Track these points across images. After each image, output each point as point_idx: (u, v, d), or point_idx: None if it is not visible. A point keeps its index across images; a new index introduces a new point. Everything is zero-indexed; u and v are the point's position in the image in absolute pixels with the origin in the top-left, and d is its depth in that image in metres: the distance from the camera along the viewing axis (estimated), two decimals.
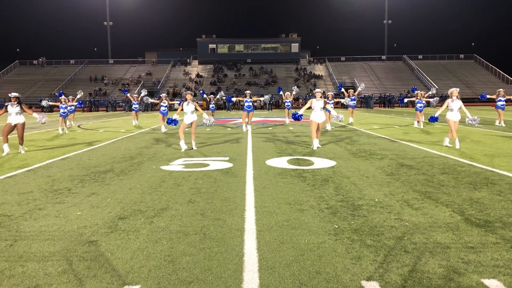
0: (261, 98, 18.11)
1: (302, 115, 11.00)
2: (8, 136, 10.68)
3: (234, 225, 4.54)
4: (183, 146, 10.96)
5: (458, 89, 11.17)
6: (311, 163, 8.53)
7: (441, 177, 6.93)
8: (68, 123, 18.32)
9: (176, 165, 8.52)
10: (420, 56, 67.70)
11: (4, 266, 3.50)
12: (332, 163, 8.54)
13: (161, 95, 18.71)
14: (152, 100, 19.29)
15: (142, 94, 19.01)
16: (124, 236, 4.24)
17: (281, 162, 8.68)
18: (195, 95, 52.34)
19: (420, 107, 18.11)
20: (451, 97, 10.86)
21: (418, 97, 18.50)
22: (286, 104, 22.18)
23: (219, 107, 46.30)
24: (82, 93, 21.48)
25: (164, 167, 8.28)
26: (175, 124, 11.35)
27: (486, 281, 3.11)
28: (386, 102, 48.71)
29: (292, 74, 63.84)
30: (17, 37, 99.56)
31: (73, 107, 20.39)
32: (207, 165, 8.49)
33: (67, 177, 7.44)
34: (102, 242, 4.06)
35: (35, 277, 3.30)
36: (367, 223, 4.56)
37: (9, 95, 10.97)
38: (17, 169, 8.20)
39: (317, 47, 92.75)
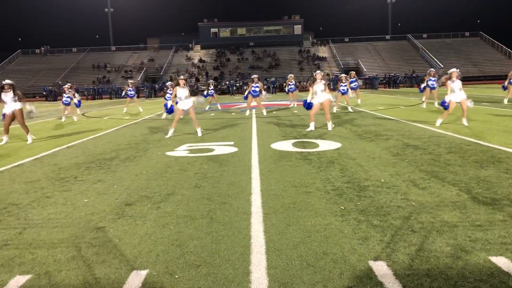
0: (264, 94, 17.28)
1: (312, 103, 10.84)
2: (10, 127, 10.67)
3: (241, 209, 4.55)
4: (171, 133, 10.79)
5: (458, 69, 10.98)
6: (316, 146, 8.51)
7: (448, 156, 6.89)
8: (66, 112, 18.15)
9: (181, 151, 8.53)
10: (424, 35, 66.77)
11: (14, 254, 3.54)
12: (337, 145, 8.51)
13: (167, 84, 18.70)
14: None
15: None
16: (131, 221, 4.26)
17: (286, 145, 8.67)
18: (197, 80, 52.15)
19: (433, 84, 17.62)
20: (451, 78, 10.71)
21: (431, 75, 17.92)
22: (289, 87, 21.80)
23: (223, 91, 46.13)
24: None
25: (169, 153, 8.29)
26: (172, 112, 10.93)
27: (493, 259, 3.11)
28: (391, 82, 48.35)
29: (296, 57, 63.37)
30: (19, 26, 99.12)
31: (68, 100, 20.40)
32: (212, 150, 8.50)
33: (73, 165, 7.47)
34: (110, 228, 4.09)
35: (45, 263, 3.33)
36: (373, 203, 4.56)
37: (3, 82, 10.69)
38: (23, 158, 8.25)
39: (320, 28, 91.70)
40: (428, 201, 4.55)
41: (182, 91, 10.56)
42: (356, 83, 19.83)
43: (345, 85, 17.19)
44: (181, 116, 11.01)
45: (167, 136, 10.69)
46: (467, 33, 67.01)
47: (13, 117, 10.53)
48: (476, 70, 53.55)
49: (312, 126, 11.03)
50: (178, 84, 10.64)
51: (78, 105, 18.69)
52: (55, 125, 15.60)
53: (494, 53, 60.61)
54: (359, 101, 20.25)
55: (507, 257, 3.13)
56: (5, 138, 10.45)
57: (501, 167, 6.00)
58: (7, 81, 10.78)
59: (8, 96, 10.45)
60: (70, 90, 17.93)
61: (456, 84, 10.62)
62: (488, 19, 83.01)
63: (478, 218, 3.97)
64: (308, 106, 10.81)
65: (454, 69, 10.90)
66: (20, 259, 3.44)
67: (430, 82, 17.79)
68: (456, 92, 10.64)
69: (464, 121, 10.76)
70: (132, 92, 21.13)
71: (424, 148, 7.71)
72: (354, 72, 21.04)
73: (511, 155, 6.77)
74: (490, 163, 6.25)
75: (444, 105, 10.69)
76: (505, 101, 17.63)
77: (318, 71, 11.08)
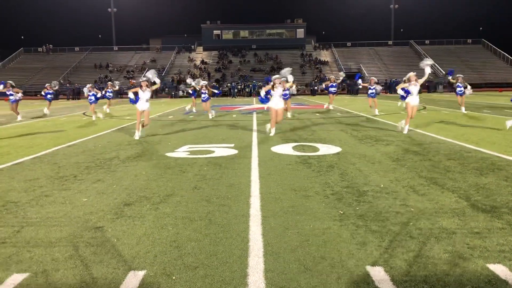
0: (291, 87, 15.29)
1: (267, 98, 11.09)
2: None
3: (239, 211, 4.55)
4: (137, 135, 10.90)
5: (415, 73, 11.02)
6: (317, 150, 8.51)
7: (447, 163, 6.89)
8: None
9: (181, 152, 8.53)
10: (427, 41, 66.82)
11: (12, 252, 3.54)
12: (337, 149, 8.52)
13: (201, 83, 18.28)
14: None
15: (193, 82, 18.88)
16: (130, 222, 4.26)
17: (286, 149, 8.67)
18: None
19: (460, 90, 17.05)
20: (410, 82, 10.78)
21: (459, 81, 17.28)
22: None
23: (224, 94, 46.10)
24: (56, 85, 21.64)
25: (169, 154, 8.29)
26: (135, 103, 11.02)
27: (491, 266, 3.11)
28: (392, 88, 48.33)
29: (298, 60, 63.41)
30: (21, 25, 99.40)
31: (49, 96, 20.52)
32: (212, 151, 8.50)
33: (73, 164, 7.47)
34: (108, 228, 4.09)
35: (42, 262, 3.33)
36: (372, 209, 4.56)
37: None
38: (23, 156, 8.25)
39: (323, 32, 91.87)
40: (427, 208, 4.55)
41: (144, 94, 10.71)
42: (373, 90, 17.93)
43: (374, 88, 17.39)
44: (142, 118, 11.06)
45: (135, 138, 10.77)
46: (469, 40, 67.05)
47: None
48: (478, 77, 53.51)
49: (273, 131, 11.09)
50: (141, 86, 10.76)
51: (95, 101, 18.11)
52: (56, 124, 15.60)
53: (496, 60, 60.62)
54: (376, 112, 17.69)
55: (505, 265, 3.13)
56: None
57: (500, 174, 5.99)
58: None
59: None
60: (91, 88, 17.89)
61: (415, 88, 10.67)
62: (490, 26, 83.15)
63: (476, 226, 3.96)
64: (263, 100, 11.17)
65: (412, 73, 10.93)
66: (18, 257, 3.43)
67: (458, 89, 17.25)
68: (414, 96, 10.72)
69: (406, 128, 10.88)
70: (110, 94, 21.93)
71: (424, 154, 7.71)
72: (375, 79, 19.07)
73: (511, 163, 6.77)
74: (490, 171, 6.24)
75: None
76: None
77: (277, 75, 11.19)
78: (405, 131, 10.81)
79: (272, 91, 10.91)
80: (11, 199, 5.19)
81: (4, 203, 5.02)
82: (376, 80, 18.23)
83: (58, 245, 3.67)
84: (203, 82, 17.79)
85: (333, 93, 20.15)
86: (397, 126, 11.32)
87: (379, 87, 17.73)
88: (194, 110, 20.54)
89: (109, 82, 22.64)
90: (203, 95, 17.27)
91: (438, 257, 3.29)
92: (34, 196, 5.31)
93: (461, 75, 17.95)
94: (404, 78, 11.70)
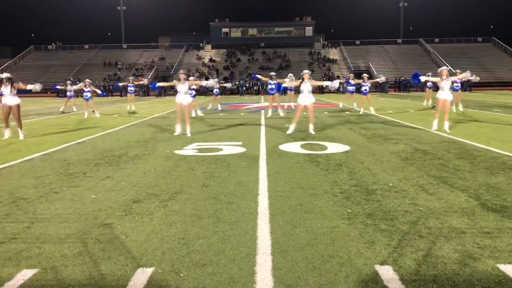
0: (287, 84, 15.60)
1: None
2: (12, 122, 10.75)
3: (248, 209, 4.55)
4: (178, 130, 10.90)
5: (448, 68, 10.94)
6: (325, 148, 8.48)
7: (457, 162, 6.83)
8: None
9: (190, 150, 8.54)
10: (436, 40, 66.30)
11: (22, 248, 3.56)
12: (346, 147, 8.48)
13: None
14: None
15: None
16: (138, 219, 4.28)
17: (294, 147, 8.65)
18: (207, 79, 52.18)
19: (457, 86, 16.75)
20: (441, 76, 10.69)
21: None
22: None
23: (232, 92, 46.14)
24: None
25: (178, 152, 8.31)
26: (153, 87, 11.03)
27: (501, 266, 3.07)
28: (401, 86, 48.08)
29: (306, 58, 63.24)
30: (32, 22, 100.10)
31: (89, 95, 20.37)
32: (221, 149, 8.51)
33: (82, 161, 7.52)
34: (117, 225, 4.11)
35: (52, 258, 3.35)
36: (381, 207, 4.53)
37: (0, 75, 10.74)
38: (33, 153, 8.32)
39: (332, 30, 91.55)
40: (436, 207, 4.51)
41: (182, 87, 10.57)
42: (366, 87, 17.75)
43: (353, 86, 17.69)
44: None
45: (175, 134, 10.78)
46: (479, 38, 66.44)
47: (9, 110, 10.55)
48: (488, 75, 53.00)
49: (292, 128, 10.99)
50: (179, 79, 10.67)
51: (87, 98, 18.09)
52: (66, 121, 15.71)
53: (506, 59, 60.01)
54: (371, 110, 17.82)
55: None
56: (6, 133, 10.51)
57: (511, 174, 5.93)
58: (5, 74, 10.82)
59: (6, 89, 10.45)
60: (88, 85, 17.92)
61: (446, 83, 10.61)
62: (501, 25, 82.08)
63: (486, 225, 3.92)
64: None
65: (444, 68, 10.85)
66: (27, 253, 3.46)
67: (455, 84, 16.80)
68: (444, 91, 10.63)
69: (435, 124, 10.88)
70: (132, 89, 21.23)
71: (433, 153, 7.65)
72: (367, 75, 18.47)
73: None
74: (500, 170, 6.18)
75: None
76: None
77: (305, 71, 11.00)
78: (435, 127, 10.86)
79: (300, 87, 10.78)
80: (21, 196, 5.24)
81: (15, 199, 5.06)
82: (368, 76, 17.96)
83: (67, 241, 3.70)
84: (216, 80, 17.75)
85: (365, 94, 17.42)
86: (432, 125, 11.11)
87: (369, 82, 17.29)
88: (219, 107, 20.88)
89: (131, 78, 21.88)
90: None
91: (448, 256, 3.26)
92: (44, 193, 5.35)
93: (458, 70, 17.45)
94: (428, 73, 11.62)
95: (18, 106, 10.61)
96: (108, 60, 63.03)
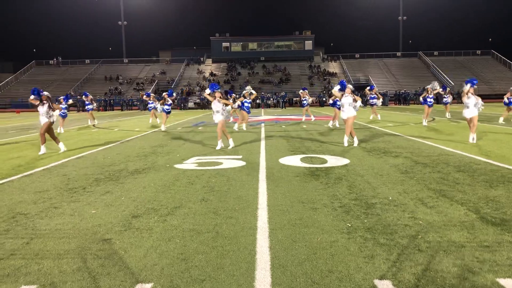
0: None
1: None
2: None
3: (247, 224, 4.55)
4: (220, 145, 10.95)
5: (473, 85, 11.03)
6: (325, 161, 8.49)
7: (457, 175, 6.84)
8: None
9: (190, 164, 8.56)
10: (435, 53, 66.73)
11: (21, 264, 3.56)
12: (345, 161, 8.49)
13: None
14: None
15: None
16: (137, 234, 4.28)
17: (294, 161, 8.66)
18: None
19: (446, 101, 17.42)
20: (467, 94, 10.87)
21: (429, 92, 17.72)
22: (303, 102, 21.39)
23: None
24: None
25: (177, 166, 8.33)
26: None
27: (501, 281, 3.06)
28: (401, 99, 48.23)
29: (306, 72, 63.60)
30: (33, 38, 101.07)
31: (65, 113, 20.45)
32: (220, 163, 8.52)
33: (82, 175, 7.53)
34: (116, 240, 4.11)
35: (50, 274, 3.35)
36: (380, 221, 4.53)
37: (43, 93, 10.84)
38: (33, 168, 8.33)
39: (331, 44, 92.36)
40: (436, 220, 4.51)
41: (216, 105, 10.67)
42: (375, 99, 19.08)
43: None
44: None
45: (217, 148, 10.81)
46: (478, 51, 66.86)
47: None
48: (487, 88, 53.18)
49: (345, 140, 11.01)
50: (214, 97, 10.73)
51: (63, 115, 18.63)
52: (66, 136, 15.74)
53: (505, 71, 60.27)
54: (371, 118, 19.35)
55: None
56: (42, 150, 10.54)
57: (511, 187, 5.93)
58: (45, 92, 10.91)
59: (43, 108, 10.55)
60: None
61: (470, 101, 10.79)
62: (499, 38, 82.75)
63: (486, 239, 3.92)
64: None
65: (469, 85, 10.91)
66: (26, 269, 3.46)
67: (428, 100, 17.70)
68: (470, 109, 10.79)
69: (470, 137, 10.92)
70: (151, 105, 21.26)
71: (433, 166, 7.66)
72: (351, 87, 18.96)
73: None
74: (500, 183, 6.18)
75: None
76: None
77: (349, 85, 11.01)
78: (471, 140, 10.93)
79: (339, 101, 10.81)
80: (21, 211, 5.24)
81: (14, 215, 5.06)
82: (352, 88, 18.04)
83: (66, 257, 3.69)
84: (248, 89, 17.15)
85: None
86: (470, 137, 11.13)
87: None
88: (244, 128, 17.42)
89: (165, 93, 20.38)
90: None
91: (447, 270, 3.25)
92: (44, 208, 5.36)
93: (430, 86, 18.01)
94: (447, 89, 11.78)
95: (47, 123, 10.54)
96: (109, 74, 63.41)
